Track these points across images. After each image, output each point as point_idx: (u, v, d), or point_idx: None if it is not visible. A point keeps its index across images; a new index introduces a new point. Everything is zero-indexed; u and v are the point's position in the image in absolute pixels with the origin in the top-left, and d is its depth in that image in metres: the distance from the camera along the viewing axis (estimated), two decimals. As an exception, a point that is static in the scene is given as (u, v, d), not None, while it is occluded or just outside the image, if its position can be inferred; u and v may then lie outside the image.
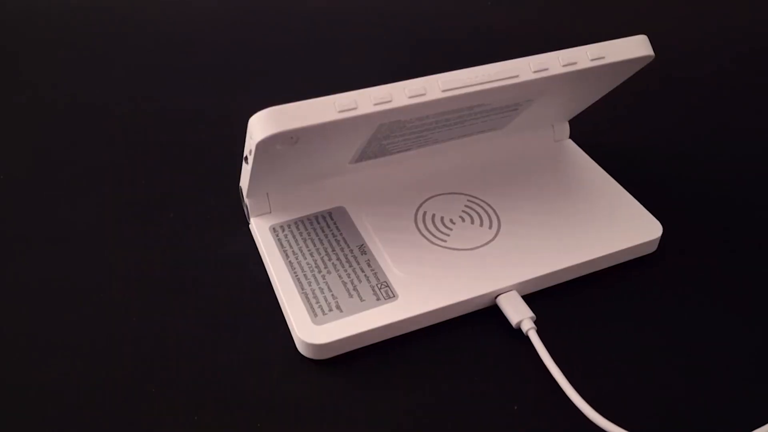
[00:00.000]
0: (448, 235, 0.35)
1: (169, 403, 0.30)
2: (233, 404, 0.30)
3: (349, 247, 0.35)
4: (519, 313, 0.32)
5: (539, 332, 0.32)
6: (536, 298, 0.34)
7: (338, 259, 0.34)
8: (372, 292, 0.32)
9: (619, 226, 0.36)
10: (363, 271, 0.33)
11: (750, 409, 0.30)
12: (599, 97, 0.39)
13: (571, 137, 0.42)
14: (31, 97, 0.48)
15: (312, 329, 0.31)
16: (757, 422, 0.30)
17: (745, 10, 0.60)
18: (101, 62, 0.52)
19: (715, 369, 0.32)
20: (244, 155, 0.31)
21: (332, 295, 0.32)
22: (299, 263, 0.34)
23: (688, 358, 0.32)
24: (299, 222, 0.36)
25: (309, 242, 0.35)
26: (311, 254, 0.34)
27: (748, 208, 0.40)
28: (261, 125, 0.28)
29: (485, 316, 0.33)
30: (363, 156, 0.35)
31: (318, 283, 0.33)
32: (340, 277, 0.33)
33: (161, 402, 0.30)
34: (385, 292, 0.32)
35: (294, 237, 0.35)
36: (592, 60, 0.31)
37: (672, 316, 0.34)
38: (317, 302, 0.32)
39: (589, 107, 0.40)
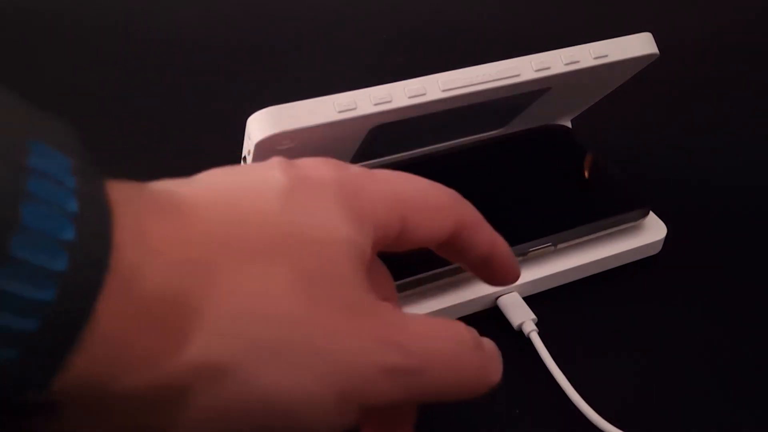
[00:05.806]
0: (449, 236, 0.35)
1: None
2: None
3: (349, 248, 0.34)
4: (520, 315, 0.32)
5: (541, 334, 0.31)
6: (538, 299, 0.33)
7: (338, 260, 0.34)
8: (372, 293, 0.32)
9: (623, 226, 0.36)
10: (363, 273, 0.33)
11: (753, 411, 0.30)
12: (602, 96, 0.38)
13: (573, 137, 0.42)
14: (30, 97, 0.47)
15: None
16: (760, 424, 0.29)
17: (750, 9, 0.59)
18: (100, 62, 0.51)
19: (719, 371, 0.31)
20: (243, 156, 0.31)
21: (332, 296, 0.32)
22: (298, 264, 0.33)
23: (692, 360, 0.32)
24: (299, 223, 0.35)
25: (308, 243, 0.34)
26: (311, 255, 0.34)
27: (752, 209, 0.40)
28: (259, 125, 0.27)
29: (486, 318, 0.33)
30: (362, 156, 0.35)
31: (317, 285, 0.32)
32: (339, 278, 0.33)
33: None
34: (385, 293, 0.32)
35: (293, 238, 0.35)
36: (595, 58, 0.31)
37: (676, 318, 0.34)
38: (317, 304, 0.31)
39: (592, 106, 0.40)
